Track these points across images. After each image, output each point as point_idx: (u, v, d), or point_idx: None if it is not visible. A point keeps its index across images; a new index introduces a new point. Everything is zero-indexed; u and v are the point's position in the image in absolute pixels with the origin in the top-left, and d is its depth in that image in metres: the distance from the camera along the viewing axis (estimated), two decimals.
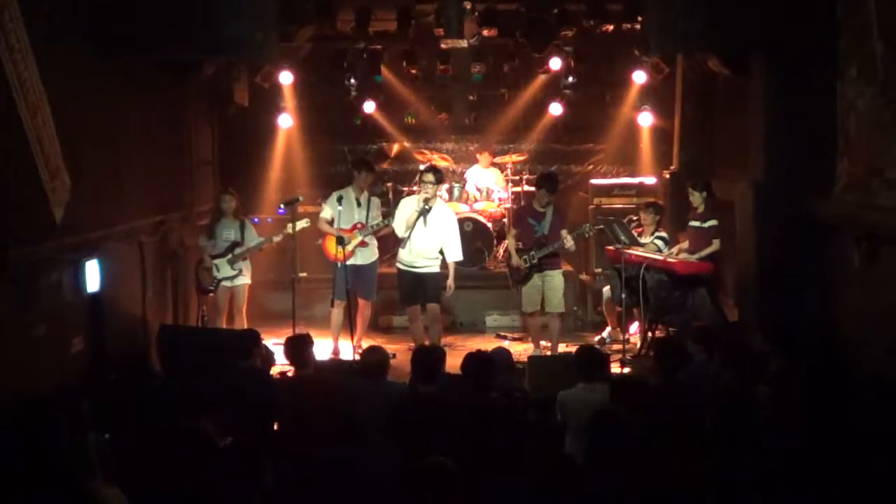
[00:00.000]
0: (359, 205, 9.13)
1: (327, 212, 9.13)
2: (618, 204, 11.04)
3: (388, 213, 9.39)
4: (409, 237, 8.70)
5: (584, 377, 5.89)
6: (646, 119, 11.46)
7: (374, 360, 6.07)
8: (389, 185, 11.99)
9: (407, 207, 8.90)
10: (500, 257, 9.06)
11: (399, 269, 8.94)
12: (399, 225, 8.82)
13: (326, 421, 5.83)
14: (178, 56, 7.90)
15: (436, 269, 8.84)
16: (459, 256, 8.95)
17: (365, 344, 8.59)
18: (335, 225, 8.93)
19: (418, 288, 8.83)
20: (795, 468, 4.51)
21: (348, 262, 8.93)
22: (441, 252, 8.85)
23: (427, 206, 8.69)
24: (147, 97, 8.30)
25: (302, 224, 9.07)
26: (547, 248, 8.80)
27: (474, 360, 5.93)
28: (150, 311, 8.32)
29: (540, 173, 10.56)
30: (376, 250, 9.34)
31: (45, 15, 6.10)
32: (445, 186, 11.06)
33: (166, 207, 8.90)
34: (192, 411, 6.23)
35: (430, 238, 8.74)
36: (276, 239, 9.18)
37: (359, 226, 9.07)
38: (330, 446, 5.62)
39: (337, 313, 9.08)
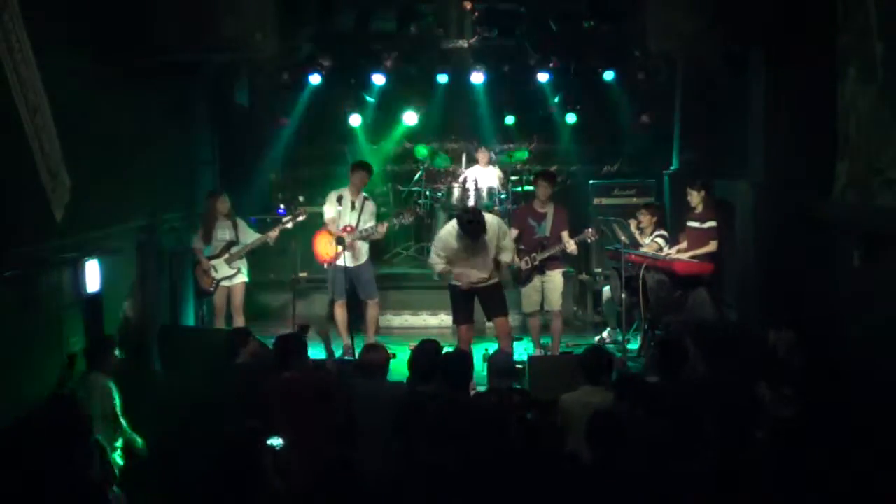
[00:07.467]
0: (352, 208, 9.11)
1: (329, 210, 9.12)
2: (618, 204, 11.03)
3: (380, 218, 9.31)
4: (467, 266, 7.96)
5: (589, 380, 5.81)
6: (645, 119, 11.44)
7: (373, 359, 6.03)
8: (388, 185, 12.04)
9: (450, 238, 7.90)
10: (525, 268, 8.67)
11: (453, 286, 8.12)
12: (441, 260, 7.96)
13: (321, 420, 5.83)
14: (178, 56, 7.91)
15: (495, 279, 8.08)
16: (509, 259, 8.23)
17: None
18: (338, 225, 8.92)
19: (472, 303, 8.17)
20: (796, 466, 4.51)
21: (339, 264, 8.91)
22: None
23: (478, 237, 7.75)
24: (147, 97, 8.29)
25: (299, 217, 9.05)
26: (548, 250, 8.73)
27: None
28: (150, 311, 8.32)
29: (537, 171, 10.57)
30: (366, 250, 9.22)
31: (45, 15, 6.10)
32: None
33: (166, 207, 8.90)
34: (192, 411, 6.24)
35: (484, 251, 7.93)
36: (273, 234, 9.10)
37: (348, 229, 9.03)
38: (324, 445, 5.64)
39: (340, 312, 9.04)
